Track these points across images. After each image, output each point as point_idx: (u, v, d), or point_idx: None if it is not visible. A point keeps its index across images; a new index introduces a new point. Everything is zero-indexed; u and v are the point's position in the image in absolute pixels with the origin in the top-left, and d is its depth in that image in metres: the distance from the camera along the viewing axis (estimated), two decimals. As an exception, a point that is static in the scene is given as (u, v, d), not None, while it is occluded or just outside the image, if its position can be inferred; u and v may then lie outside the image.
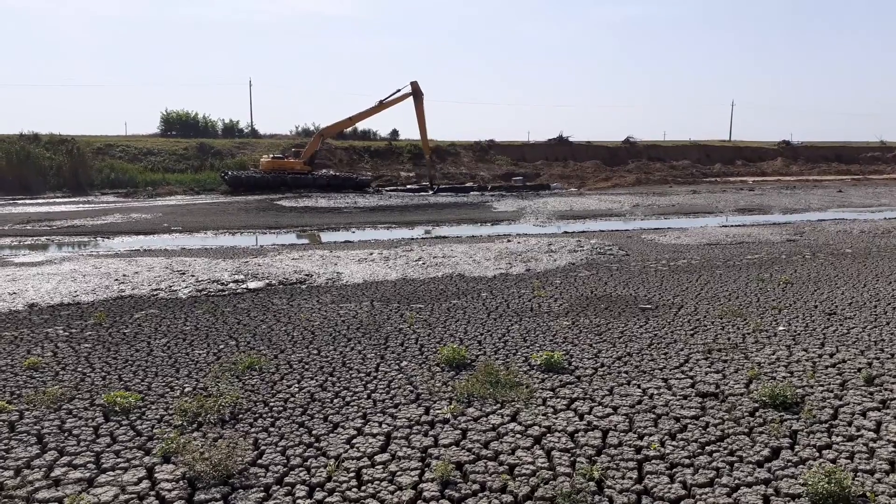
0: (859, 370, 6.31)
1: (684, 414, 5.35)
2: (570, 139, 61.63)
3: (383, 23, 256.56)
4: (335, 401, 5.70)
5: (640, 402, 5.61)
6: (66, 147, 41.16)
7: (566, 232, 19.71)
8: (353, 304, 9.38)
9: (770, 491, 4.20)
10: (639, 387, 5.97)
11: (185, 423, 5.18)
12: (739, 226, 20.60)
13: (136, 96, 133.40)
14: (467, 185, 42.07)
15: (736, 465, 4.52)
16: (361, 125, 52.79)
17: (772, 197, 34.32)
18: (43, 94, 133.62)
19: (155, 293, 10.22)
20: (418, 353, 7.00)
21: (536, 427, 5.13)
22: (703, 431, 5.03)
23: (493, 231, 20.75)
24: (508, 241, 16.60)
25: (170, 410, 5.46)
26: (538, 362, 6.52)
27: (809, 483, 4.13)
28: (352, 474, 4.44)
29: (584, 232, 19.54)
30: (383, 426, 5.17)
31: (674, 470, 4.47)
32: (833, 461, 4.56)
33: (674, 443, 4.85)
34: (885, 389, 5.85)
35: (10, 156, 37.64)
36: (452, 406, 5.51)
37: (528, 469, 4.47)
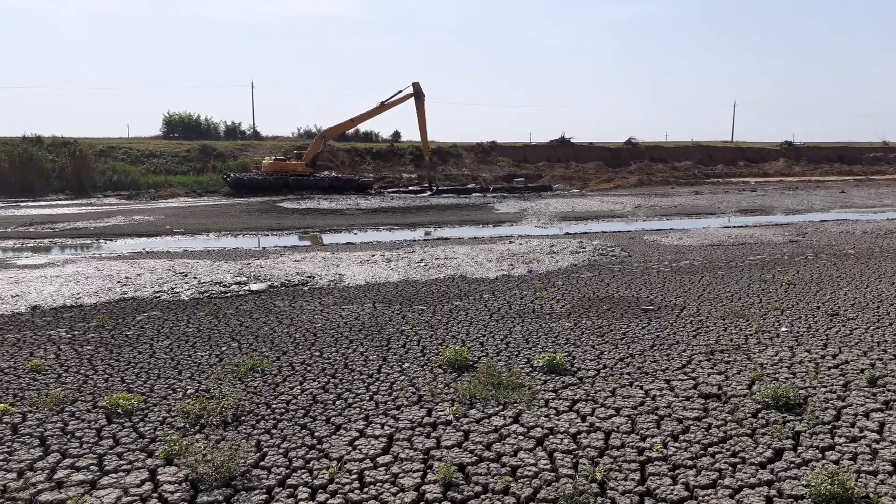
0: (862, 371, 6.30)
1: (687, 415, 5.34)
2: (572, 140, 61.63)
3: (383, 23, 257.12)
4: (337, 402, 5.70)
5: (642, 404, 5.60)
6: (68, 149, 41.25)
7: (568, 233, 19.70)
8: (356, 306, 9.38)
9: (773, 492, 4.19)
10: (641, 388, 5.97)
11: (187, 426, 5.19)
12: (742, 227, 20.58)
13: (137, 98, 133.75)
14: (469, 186, 42.06)
15: (739, 466, 4.51)
16: (363, 127, 52.92)
17: (774, 198, 34.28)
18: (45, 96, 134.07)
19: (157, 295, 10.24)
20: (420, 355, 7.00)
21: (539, 428, 5.12)
22: (706, 433, 5.02)
23: (495, 232, 20.75)
24: (510, 242, 16.60)
25: (172, 412, 5.47)
26: (540, 364, 6.52)
27: (812, 484, 4.13)
28: (354, 476, 4.44)
29: (586, 233, 19.53)
30: (386, 428, 5.17)
31: (676, 471, 4.46)
32: (836, 462, 4.55)
33: (676, 444, 4.84)
34: (889, 390, 5.83)
35: (12, 158, 37.72)
36: (455, 408, 5.51)
37: (530, 471, 4.47)
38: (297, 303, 9.67)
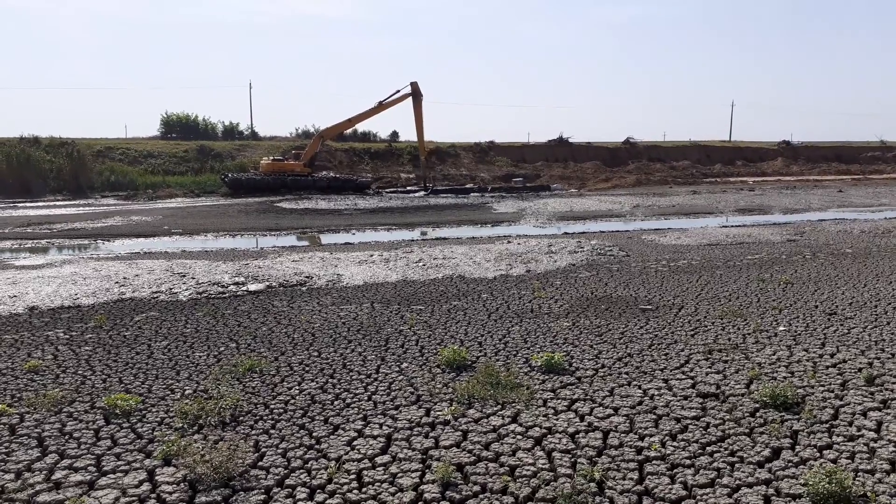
0: (860, 370, 6.31)
1: (685, 415, 5.35)
2: (570, 140, 61.68)
3: (383, 24, 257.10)
4: (336, 402, 5.70)
5: (640, 403, 5.61)
6: (66, 150, 41.24)
7: (566, 233, 19.72)
8: (354, 306, 9.38)
9: (771, 491, 4.20)
10: (639, 387, 5.97)
11: (185, 426, 5.18)
12: (740, 226, 20.60)
13: (135, 98, 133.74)
14: (467, 186, 42.09)
15: (737, 465, 4.52)
16: (361, 127, 52.89)
17: (772, 197, 34.32)
18: (43, 96, 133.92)
19: (155, 296, 10.23)
20: (419, 355, 7.00)
21: (537, 428, 5.12)
22: (704, 432, 5.03)
23: (493, 232, 20.75)
24: (509, 242, 16.61)
25: (170, 413, 5.46)
26: (539, 363, 6.52)
27: (810, 483, 4.13)
28: (353, 476, 4.44)
29: (584, 233, 19.55)
30: (384, 428, 5.17)
31: (675, 471, 4.47)
32: (834, 461, 4.56)
33: (675, 443, 4.85)
34: (886, 389, 5.84)
35: (10, 159, 37.71)
36: (453, 407, 5.51)
37: (528, 470, 4.47)
38: (296, 303, 9.67)
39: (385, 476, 4.43)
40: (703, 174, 53.17)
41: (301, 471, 4.52)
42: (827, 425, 5.12)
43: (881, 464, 4.52)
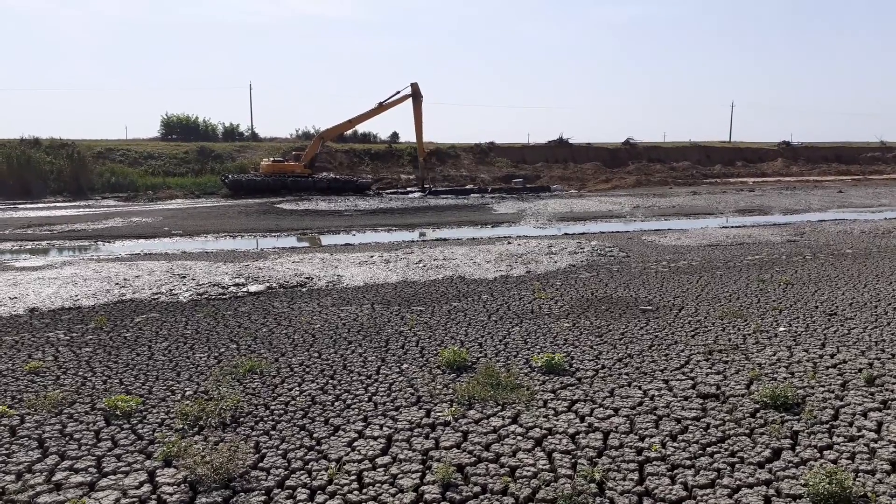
0: (860, 371, 6.31)
1: (685, 415, 5.35)
2: (570, 141, 61.70)
3: (383, 24, 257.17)
4: (336, 403, 5.70)
5: (640, 404, 5.61)
6: (66, 151, 41.25)
7: (566, 234, 19.72)
8: (354, 307, 9.38)
9: (771, 492, 4.20)
10: (640, 388, 5.97)
11: (186, 427, 5.19)
12: (740, 227, 20.60)
13: (136, 100, 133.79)
14: (467, 187, 42.10)
15: (737, 465, 4.52)
16: (361, 128, 53.00)
17: (772, 198, 34.33)
18: (43, 97, 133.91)
19: (156, 297, 10.23)
20: (419, 356, 7.01)
21: (537, 429, 5.13)
22: (704, 433, 5.03)
23: (493, 233, 20.76)
24: (509, 243, 16.61)
25: (171, 414, 5.47)
26: (539, 364, 6.52)
27: (810, 484, 4.14)
28: (353, 477, 4.44)
29: (584, 234, 19.55)
30: (384, 429, 5.18)
31: (675, 471, 4.47)
32: (834, 462, 4.56)
33: (675, 444, 4.85)
34: (886, 390, 5.85)
35: (10, 160, 37.71)
36: (453, 408, 5.51)
37: (529, 471, 4.48)
38: (296, 304, 9.67)
39: (385, 477, 4.44)
40: (703, 175, 53.18)
41: (302, 472, 4.52)
42: (827, 426, 5.12)
43: (881, 464, 4.53)
